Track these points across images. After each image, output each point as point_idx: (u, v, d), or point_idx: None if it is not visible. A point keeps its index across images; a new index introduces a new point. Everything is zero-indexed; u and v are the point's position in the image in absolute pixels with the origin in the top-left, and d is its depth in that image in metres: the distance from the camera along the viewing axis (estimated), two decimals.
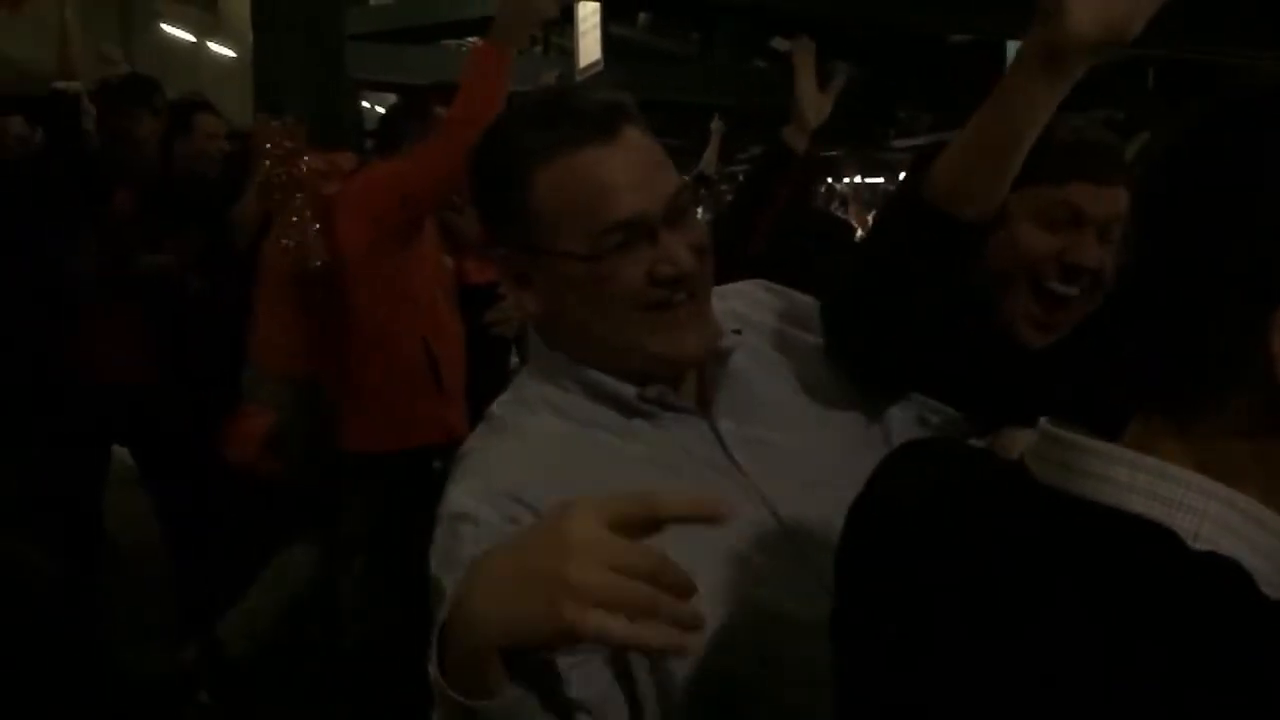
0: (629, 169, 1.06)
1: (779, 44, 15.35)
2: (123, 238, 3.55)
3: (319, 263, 3.01)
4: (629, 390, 1.11)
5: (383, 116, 3.41)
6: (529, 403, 1.14)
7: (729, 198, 6.09)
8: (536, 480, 1.04)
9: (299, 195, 3.07)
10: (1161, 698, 0.55)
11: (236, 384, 3.66)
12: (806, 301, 1.31)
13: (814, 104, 2.47)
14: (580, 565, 0.73)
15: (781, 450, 1.15)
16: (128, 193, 3.58)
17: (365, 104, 15.44)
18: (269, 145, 3.16)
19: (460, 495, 1.06)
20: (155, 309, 3.66)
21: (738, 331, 1.19)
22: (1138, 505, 0.64)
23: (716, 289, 1.26)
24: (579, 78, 10.47)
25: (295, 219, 3.06)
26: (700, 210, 5.52)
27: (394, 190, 2.91)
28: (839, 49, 14.99)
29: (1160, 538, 0.62)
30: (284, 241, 3.08)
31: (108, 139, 3.60)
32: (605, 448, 1.10)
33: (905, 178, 1.10)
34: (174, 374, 3.68)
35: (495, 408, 1.17)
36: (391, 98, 21.20)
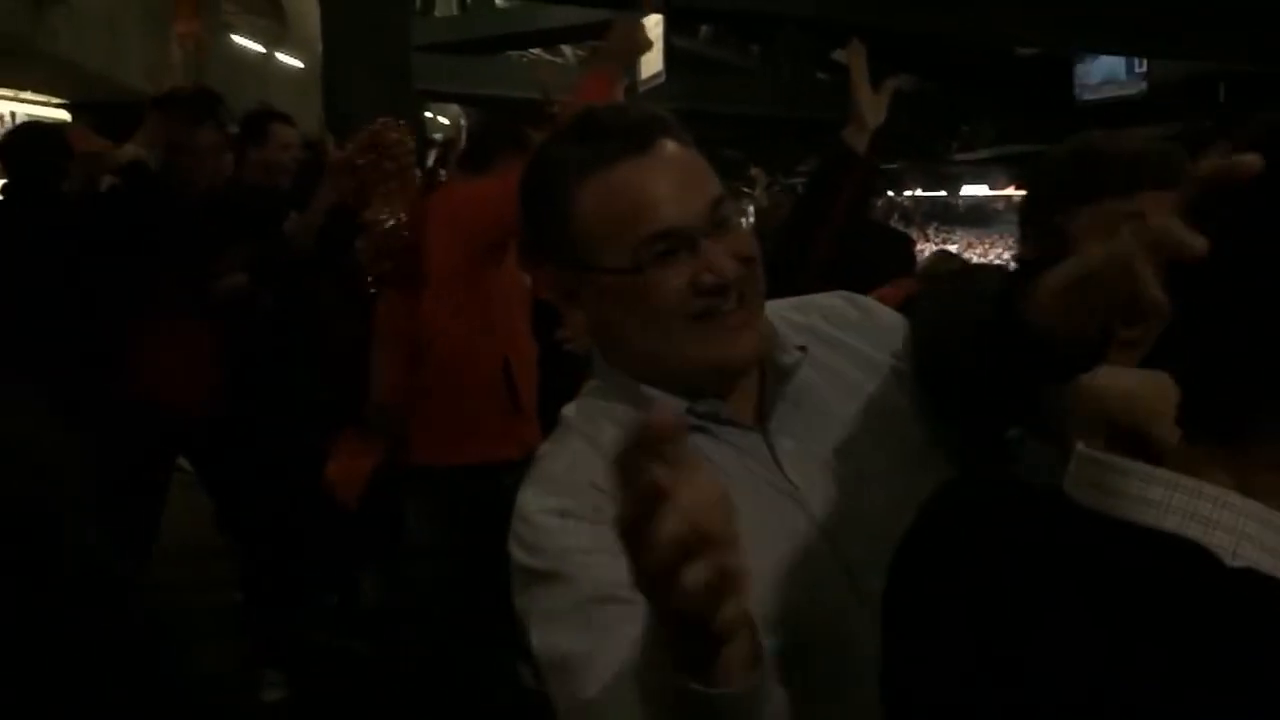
0: (666, 180, 1.06)
1: (840, 56, 15.33)
2: (187, 253, 3.54)
3: (401, 244, 3.02)
4: (678, 405, 1.09)
5: (471, 134, 3.42)
6: (592, 416, 1.15)
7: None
8: (598, 467, 1.06)
9: (398, 192, 3.10)
10: (1199, 714, 0.56)
11: (301, 398, 3.72)
12: (891, 320, 1.27)
13: (870, 105, 2.47)
14: None
15: (838, 472, 1.13)
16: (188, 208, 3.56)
17: (427, 114, 15.64)
18: (386, 144, 3.20)
19: (541, 492, 1.08)
20: (225, 327, 3.64)
21: (802, 349, 1.16)
22: (1172, 524, 0.63)
23: (798, 300, 1.25)
24: (641, 89, 10.52)
25: (389, 210, 3.08)
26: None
27: (489, 211, 2.90)
28: (902, 61, 14.92)
29: (1196, 555, 0.62)
30: (382, 217, 3.10)
31: (171, 152, 3.59)
32: None
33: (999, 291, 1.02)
34: (241, 392, 3.67)
35: (567, 410, 1.18)
36: (453, 108, 21.46)
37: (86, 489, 1.50)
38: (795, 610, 1.06)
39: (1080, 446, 0.72)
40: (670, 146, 1.08)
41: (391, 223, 3.08)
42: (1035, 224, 1.40)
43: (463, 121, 20.66)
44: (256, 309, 3.65)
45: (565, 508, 1.05)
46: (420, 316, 3.09)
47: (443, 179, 4.16)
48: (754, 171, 5.98)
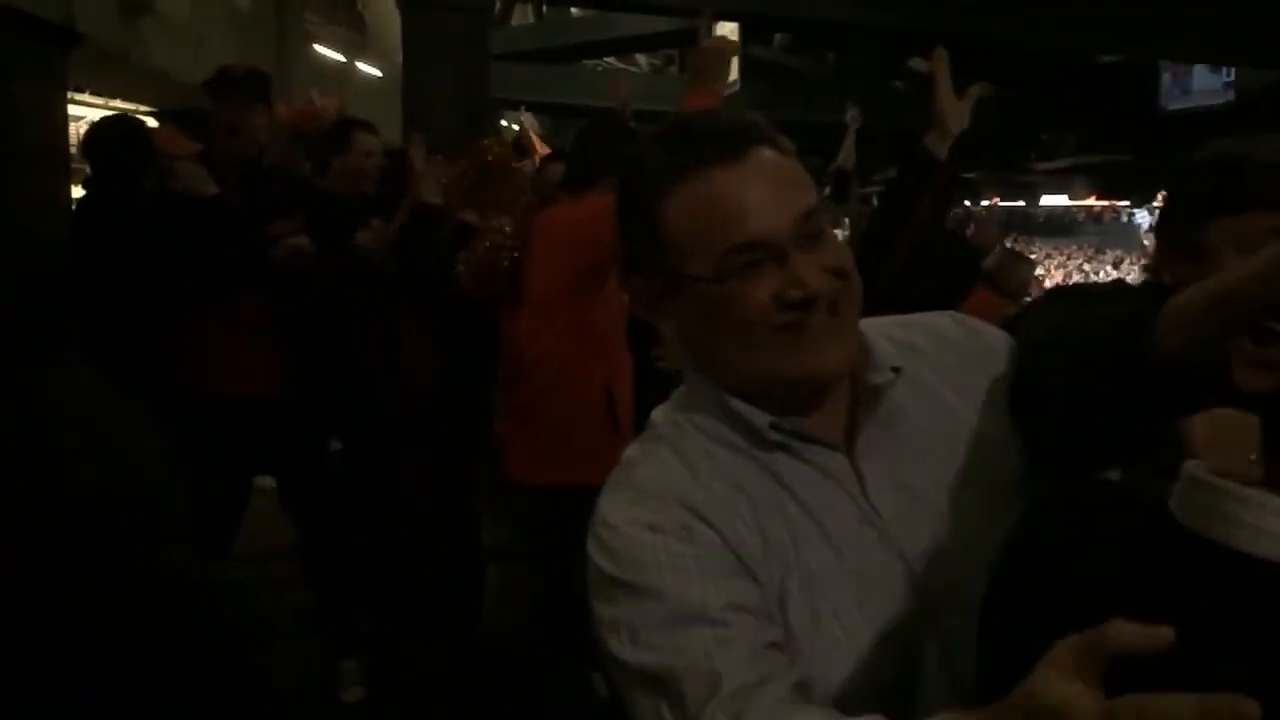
0: (755, 190, 1.04)
1: (917, 64, 15.16)
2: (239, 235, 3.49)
3: (508, 262, 3.04)
4: (762, 420, 1.08)
5: (572, 153, 3.37)
6: (680, 425, 1.13)
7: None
8: (700, 492, 1.05)
9: (507, 212, 3.12)
10: None
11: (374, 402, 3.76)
12: (996, 342, 1.22)
13: (953, 112, 2.43)
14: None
15: (923, 501, 1.10)
16: (234, 187, 3.54)
17: (502, 122, 15.75)
18: (495, 157, 3.22)
19: (628, 501, 1.07)
20: (286, 310, 3.63)
21: (896, 370, 1.13)
22: (1266, 548, 0.64)
23: (903, 318, 1.22)
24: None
25: (498, 230, 3.09)
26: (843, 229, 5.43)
27: (591, 233, 2.89)
28: (981, 70, 14.74)
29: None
30: (487, 243, 3.12)
31: (221, 132, 3.56)
32: (747, 475, 1.08)
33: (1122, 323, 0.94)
34: (304, 378, 3.67)
35: (657, 415, 1.17)
36: (526, 116, 21.57)
37: (178, 488, 1.52)
38: (865, 637, 1.03)
39: (1189, 466, 0.71)
40: (763, 155, 1.07)
41: (497, 243, 3.08)
42: (1172, 237, 1.35)
43: (515, 127, 20.80)
44: (316, 279, 3.62)
45: (654, 522, 1.03)
46: (520, 336, 3.11)
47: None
48: (850, 115, 5.81)
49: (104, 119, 3.89)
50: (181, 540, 1.54)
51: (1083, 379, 0.98)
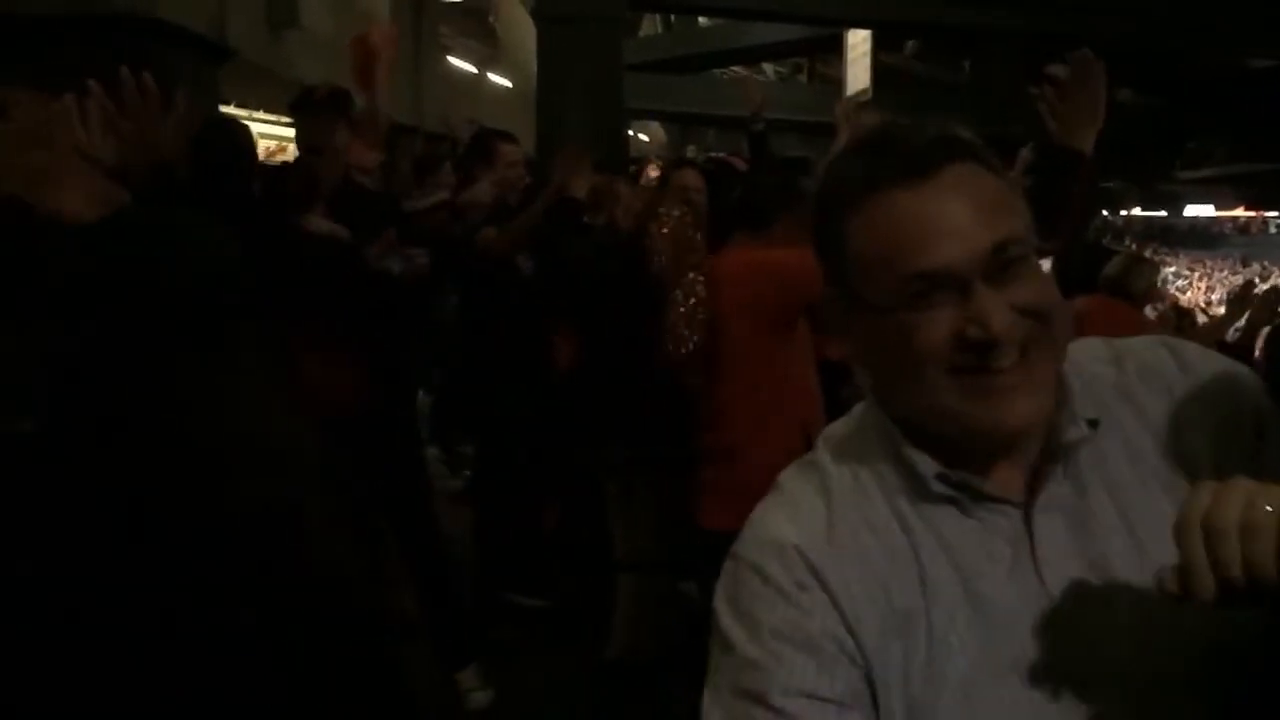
0: (942, 214, 0.93)
1: (1056, 70, 14.73)
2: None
3: (691, 346, 3.01)
4: (928, 468, 0.98)
5: (748, 192, 3.32)
6: (843, 458, 1.05)
7: None
8: (830, 548, 0.97)
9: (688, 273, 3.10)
10: None
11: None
12: (1221, 379, 1.06)
13: (1079, 122, 2.32)
14: None
15: (1104, 573, 0.96)
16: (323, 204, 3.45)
17: (629, 131, 15.86)
18: (664, 212, 3.22)
19: (756, 540, 1.01)
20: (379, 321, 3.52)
21: (1094, 423, 1.00)
22: None
23: (1117, 345, 1.08)
24: (837, 109, 10.34)
25: (686, 303, 3.07)
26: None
27: (784, 285, 2.89)
28: (1124, 75, 14.23)
29: None
30: (691, 301, 3.09)
31: (310, 152, 3.52)
32: (900, 527, 0.99)
33: None
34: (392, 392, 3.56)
35: (828, 435, 1.09)
36: (654, 125, 21.66)
37: (326, 488, 1.54)
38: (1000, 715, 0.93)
39: None
40: (958, 175, 0.95)
41: (697, 296, 3.05)
42: None
43: (643, 136, 20.88)
44: (436, 301, 3.60)
45: (769, 572, 0.97)
46: (712, 383, 3.07)
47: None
48: (1023, 153, 5.68)
49: (210, 120, 3.87)
50: (328, 537, 1.55)
51: None
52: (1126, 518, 0.98)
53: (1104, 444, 1.00)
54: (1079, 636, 0.94)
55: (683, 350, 3.08)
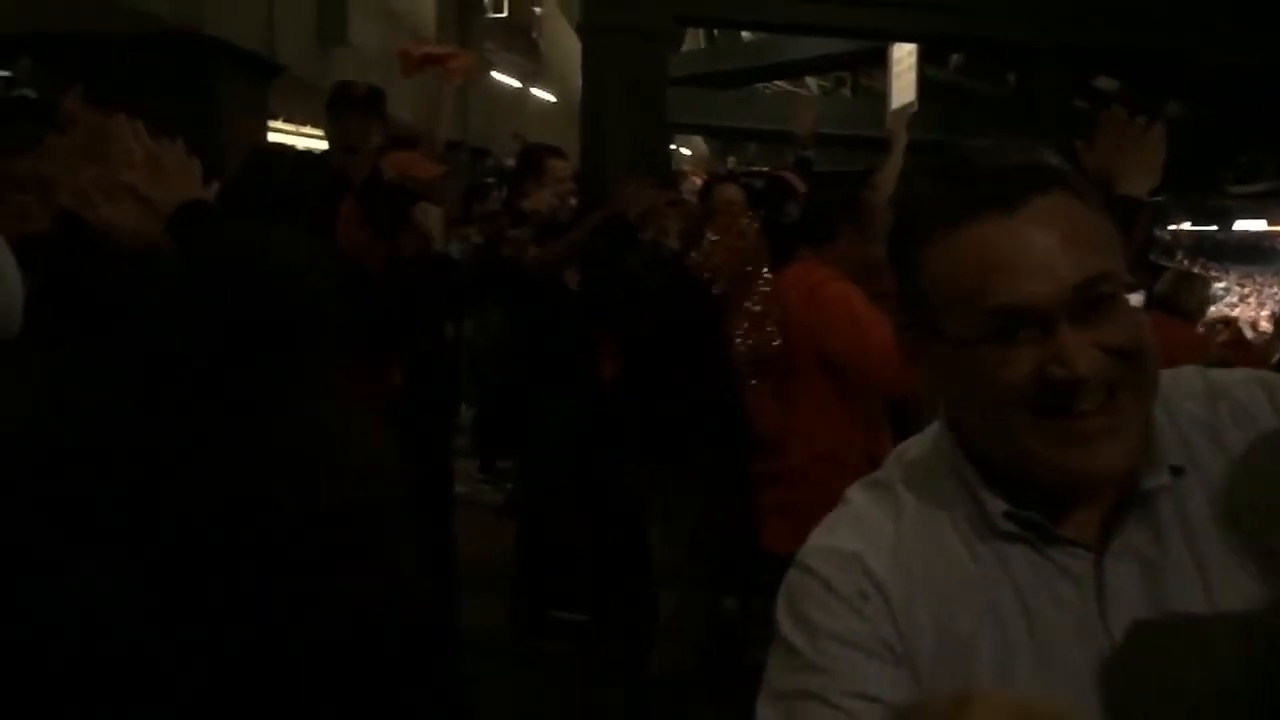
0: (1026, 247, 0.89)
1: (1104, 84, 14.58)
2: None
3: (776, 343, 2.99)
4: (996, 507, 0.95)
5: (810, 207, 3.30)
6: (911, 479, 1.02)
7: None
8: (896, 566, 0.96)
9: (750, 281, 3.09)
10: None
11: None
12: None
13: (1126, 167, 2.29)
14: None
15: (1176, 628, 0.92)
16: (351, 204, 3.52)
17: (671, 146, 15.86)
18: (726, 219, 3.21)
19: (821, 550, 1.00)
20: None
21: (1178, 470, 0.95)
22: None
23: (1212, 380, 1.02)
24: (890, 122, 10.29)
25: (753, 310, 3.06)
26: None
27: (850, 310, 2.87)
28: (1172, 87, 14.05)
29: None
30: (739, 335, 3.08)
31: (345, 153, 3.48)
32: (967, 553, 0.97)
33: None
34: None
35: (902, 455, 1.07)
36: (696, 139, 21.64)
37: (403, 494, 1.56)
38: None
39: None
40: (1048, 206, 0.91)
41: (770, 317, 3.01)
42: None
43: (685, 151, 20.90)
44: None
45: (832, 580, 0.96)
46: (775, 406, 3.04)
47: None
48: None
49: (279, 149, 3.84)
50: (401, 543, 1.58)
51: None
52: (1203, 570, 0.93)
53: (1186, 491, 0.95)
54: (1140, 688, 0.91)
55: (770, 347, 3.02)
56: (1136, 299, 0.93)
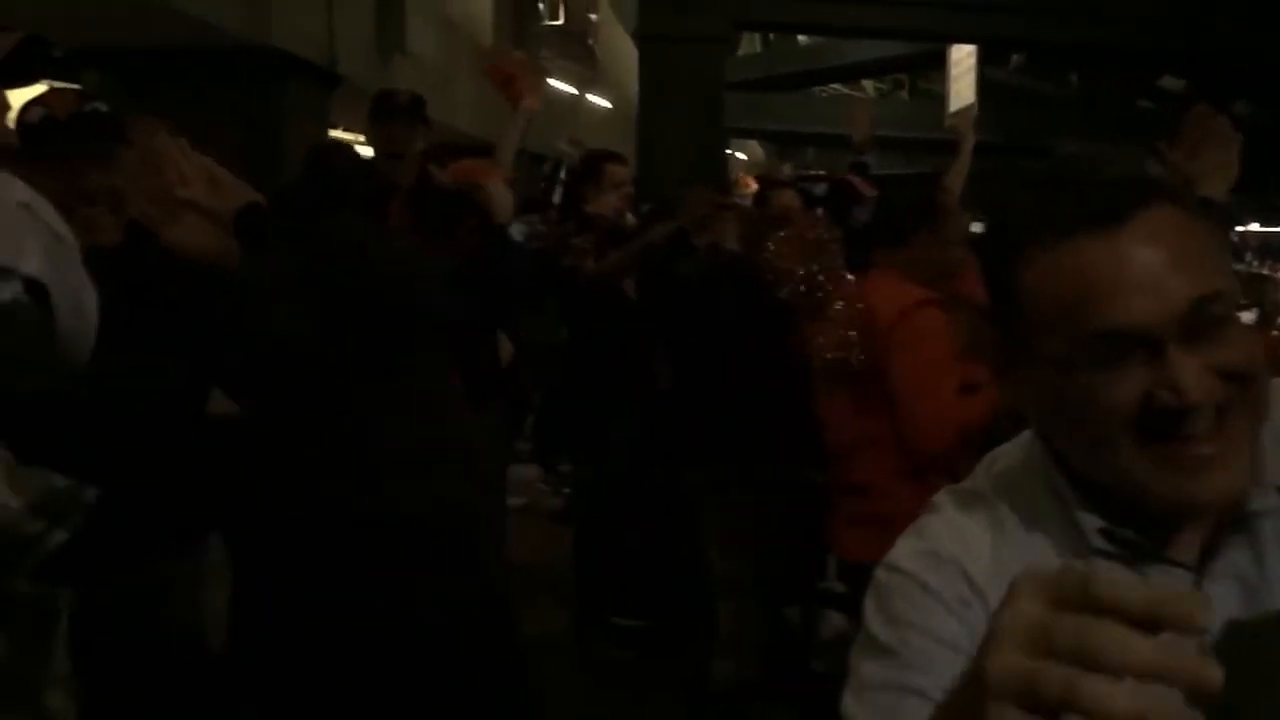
0: (1133, 266, 0.85)
1: (1169, 83, 14.30)
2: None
3: (860, 357, 2.94)
4: (1092, 524, 0.92)
5: (883, 209, 3.26)
6: (1009, 487, 0.99)
7: None
8: (994, 571, 0.93)
9: (829, 292, 3.04)
10: None
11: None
12: None
13: (1204, 168, 2.23)
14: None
15: (1272, 657, 0.88)
16: (398, 206, 3.38)
17: (727, 150, 15.84)
18: (808, 236, 3.18)
19: (914, 553, 0.97)
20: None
21: None
22: None
23: None
24: (949, 123, 10.19)
25: (835, 318, 3.01)
26: None
27: (929, 354, 2.79)
28: (1239, 86, 13.75)
29: None
30: (820, 344, 3.03)
31: (390, 159, 3.48)
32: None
33: None
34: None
35: (993, 463, 1.03)
36: (752, 143, 21.60)
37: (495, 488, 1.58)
38: None
39: None
40: (1154, 221, 0.87)
41: (833, 351, 2.97)
42: None
43: (741, 156, 20.89)
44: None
45: (931, 584, 0.94)
46: (851, 413, 2.99)
47: None
48: None
49: (325, 142, 3.85)
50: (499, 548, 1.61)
51: None
52: None
53: (1277, 521, 0.91)
54: (1236, 714, 0.89)
55: (851, 356, 2.96)
56: (1249, 316, 0.89)
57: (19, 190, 1.12)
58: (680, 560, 4.06)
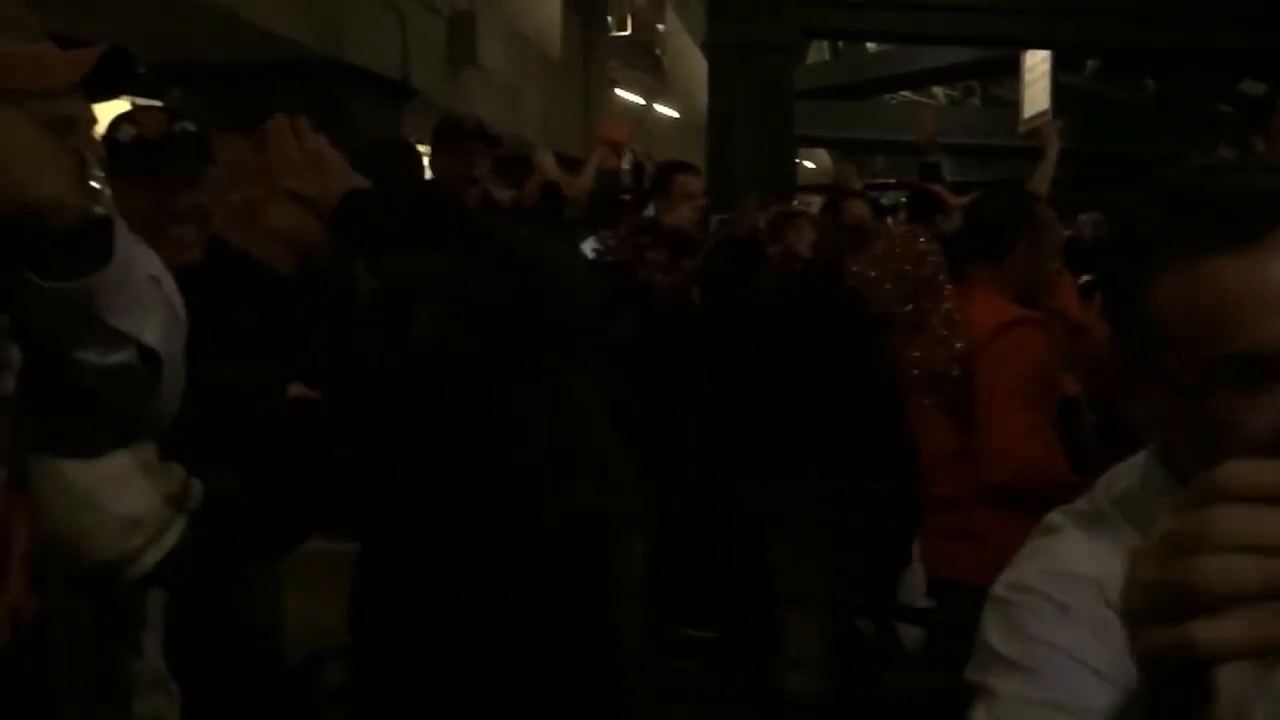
0: (1274, 285, 0.81)
1: (1249, 87, 13.95)
2: None
3: (955, 373, 2.89)
4: None
5: (977, 216, 3.17)
6: (1128, 508, 0.96)
7: None
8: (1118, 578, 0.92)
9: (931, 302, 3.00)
10: None
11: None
12: None
13: None
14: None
15: None
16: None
17: (795, 159, 15.78)
18: (902, 248, 3.15)
19: (1043, 572, 0.95)
20: None
21: None
22: None
23: None
24: (1023, 129, 10.06)
25: (934, 330, 2.96)
26: None
27: (1017, 377, 2.75)
28: None
29: None
30: (916, 354, 2.97)
31: (455, 183, 3.50)
32: None
33: None
34: None
35: (1105, 482, 1.00)
36: (820, 152, 21.50)
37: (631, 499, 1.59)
38: None
39: None
40: None
41: (926, 357, 2.92)
42: None
43: (809, 165, 20.74)
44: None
45: (1067, 604, 0.92)
46: (960, 436, 2.93)
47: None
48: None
49: (377, 141, 3.89)
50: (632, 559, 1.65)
51: None
52: None
53: None
54: None
55: (946, 370, 2.90)
56: None
57: (153, 264, 1.18)
58: (748, 572, 4.04)
